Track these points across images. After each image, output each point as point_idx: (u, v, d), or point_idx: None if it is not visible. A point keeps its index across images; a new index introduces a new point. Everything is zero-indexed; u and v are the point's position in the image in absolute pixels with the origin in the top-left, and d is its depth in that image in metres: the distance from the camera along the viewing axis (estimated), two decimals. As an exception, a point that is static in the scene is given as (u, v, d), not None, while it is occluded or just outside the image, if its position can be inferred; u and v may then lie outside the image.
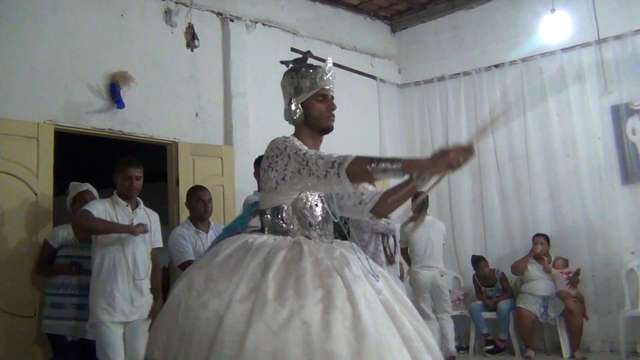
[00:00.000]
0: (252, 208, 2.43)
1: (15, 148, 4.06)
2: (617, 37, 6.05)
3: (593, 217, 6.10)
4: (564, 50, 6.36)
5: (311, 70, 2.21)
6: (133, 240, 3.51)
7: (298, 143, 2.08)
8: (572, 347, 5.66)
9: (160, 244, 3.84)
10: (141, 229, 3.45)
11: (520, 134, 6.63)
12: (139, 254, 3.55)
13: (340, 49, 6.83)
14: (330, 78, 2.23)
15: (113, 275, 3.42)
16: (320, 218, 2.15)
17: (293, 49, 6.27)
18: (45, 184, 4.14)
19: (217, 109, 5.50)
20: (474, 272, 6.43)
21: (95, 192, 4.06)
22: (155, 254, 3.76)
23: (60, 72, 4.43)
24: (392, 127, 7.36)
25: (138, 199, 3.68)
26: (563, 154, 6.35)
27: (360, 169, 1.88)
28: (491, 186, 6.73)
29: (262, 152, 6.70)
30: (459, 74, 7.09)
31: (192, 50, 5.31)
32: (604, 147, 6.12)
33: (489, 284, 6.34)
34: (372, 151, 7.03)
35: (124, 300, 3.42)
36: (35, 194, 4.08)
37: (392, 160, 1.86)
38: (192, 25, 5.30)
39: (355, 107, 6.90)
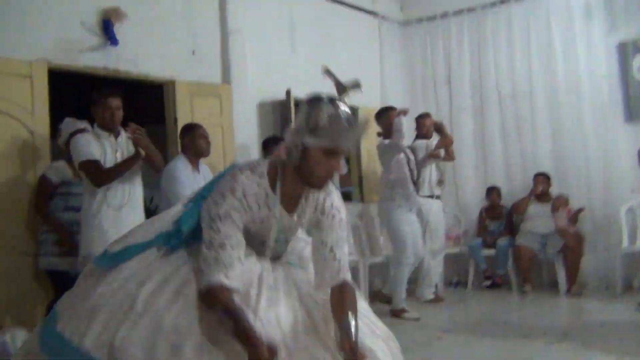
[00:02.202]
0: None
1: (9, 87, 3.97)
2: (626, -29, 5.85)
3: (594, 155, 6.09)
4: (572, -16, 6.16)
5: (340, 122, 1.78)
6: None
7: (234, 204, 1.84)
8: (569, 282, 5.76)
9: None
10: (140, 148, 3.35)
11: (523, 72, 6.52)
12: (122, 180, 3.46)
13: (340, -16, 6.60)
14: (355, 140, 1.89)
15: (100, 207, 3.39)
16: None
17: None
18: (41, 123, 4.09)
19: (213, 47, 5.37)
20: (485, 201, 6.46)
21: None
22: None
23: (51, 8, 4.28)
24: (394, 66, 7.21)
25: (119, 127, 3.58)
26: (567, 92, 6.27)
27: (210, 303, 1.76)
28: (493, 124, 6.67)
29: (261, 91, 6.63)
30: (462, 10, 6.89)
31: (186, -16, 5.13)
32: (609, 85, 6.05)
33: (495, 216, 6.40)
34: (373, 92, 6.94)
35: (114, 230, 3.33)
36: (31, 133, 4.04)
37: (237, 321, 1.70)
38: (187, -43, 5.10)
39: (356, 45, 6.74)
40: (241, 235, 1.87)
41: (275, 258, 2.08)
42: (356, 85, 1.70)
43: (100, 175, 3.39)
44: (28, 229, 3.97)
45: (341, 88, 1.58)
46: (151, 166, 3.63)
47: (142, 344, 1.69)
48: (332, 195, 2.02)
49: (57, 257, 3.77)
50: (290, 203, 1.95)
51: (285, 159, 1.88)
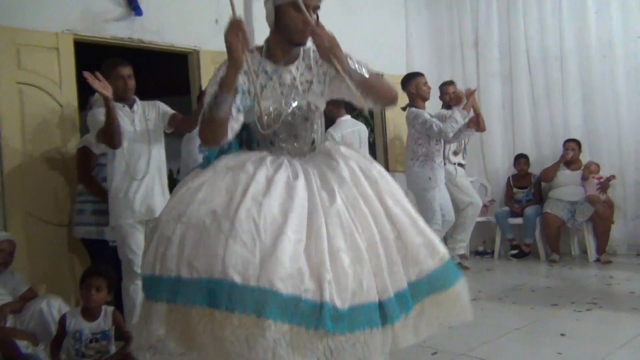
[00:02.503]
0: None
1: (36, 59, 4.02)
2: None
3: (627, 120, 5.91)
4: (607, -62, 5.90)
5: None
6: (135, 137, 3.43)
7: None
8: (598, 250, 5.69)
9: (171, 111, 3.62)
10: (102, 87, 3.14)
11: (554, 34, 6.31)
12: (142, 148, 3.45)
13: (364, -53, 6.44)
14: None
15: (123, 177, 3.40)
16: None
17: (315, -53, 5.93)
18: (69, 95, 4.14)
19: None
20: (513, 169, 6.39)
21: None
22: (179, 116, 3.59)
23: (76, -21, 4.28)
24: (419, 31, 7.05)
25: (134, 96, 3.56)
26: (599, 54, 6.06)
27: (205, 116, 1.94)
28: (522, 90, 6.50)
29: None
30: (491, -32, 6.66)
31: (208, -49, 5.06)
32: (644, 46, 5.83)
33: (522, 185, 6.31)
34: (398, 57, 6.82)
35: (139, 198, 3.39)
36: (60, 105, 4.09)
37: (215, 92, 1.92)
38: None
39: (380, 8, 6.61)
40: (238, 98, 1.98)
41: (304, 153, 2.16)
42: None
43: (107, 136, 3.28)
44: (62, 200, 4.06)
45: None
46: (187, 127, 3.64)
47: (153, 251, 1.94)
48: None
49: (95, 227, 3.85)
50: (287, 61, 2.11)
51: (270, 27, 2.08)
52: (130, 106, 3.51)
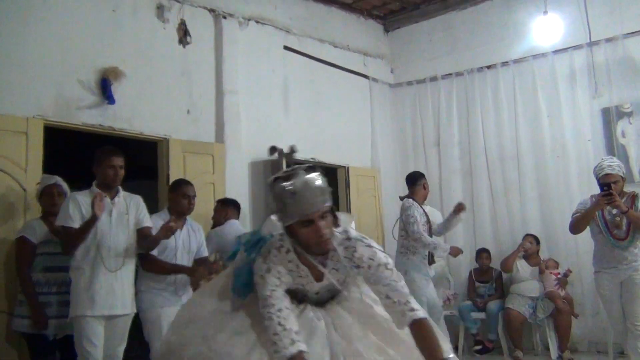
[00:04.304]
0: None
1: (4, 143, 4.00)
2: (608, 40, 6.08)
3: (582, 218, 6.12)
4: (556, 52, 6.40)
5: (296, 194, 1.93)
6: (110, 228, 3.44)
7: (273, 277, 2.06)
8: (560, 347, 5.70)
9: (149, 223, 3.66)
10: (99, 207, 3.30)
11: (510, 135, 6.67)
12: (116, 242, 3.44)
13: (332, 48, 6.83)
14: (321, 199, 1.96)
15: (92, 267, 3.35)
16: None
17: (286, 47, 6.27)
18: (34, 180, 4.08)
19: (208, 106, 5.48)
20: (475, 263, 6.45)
21: (65, 185, 3.89)
22: (148, 232, 3.61)
23: (51, 66, 4.38)
24: (384, 127, 7.36)
25: (118, 187, 3.59)
26: (553, 155, 6.39)
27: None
28: (481, 186, 6.76)
29: (253, 150, 6.70)
30: (451, 74, 7.11)
31: (184, 46, 5.30)
32: (594, 149, 6.16)
33: (484, 279, 6.37)
34: (364, 152, 7.05)
35: (104, 292, 3.34)
36: (24, 190, 4.03)
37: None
38: (185, 21, 5.28)
39: (347, 106, 6.91)
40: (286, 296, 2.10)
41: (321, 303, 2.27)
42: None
43: (67, 243, 3.38)
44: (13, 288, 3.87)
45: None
46: (144, 246, 3.63)
47: None
48: (359, 249, 2.08)
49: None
50: (317, 269, 2.11)
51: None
52: (112, 197, 3.53)
